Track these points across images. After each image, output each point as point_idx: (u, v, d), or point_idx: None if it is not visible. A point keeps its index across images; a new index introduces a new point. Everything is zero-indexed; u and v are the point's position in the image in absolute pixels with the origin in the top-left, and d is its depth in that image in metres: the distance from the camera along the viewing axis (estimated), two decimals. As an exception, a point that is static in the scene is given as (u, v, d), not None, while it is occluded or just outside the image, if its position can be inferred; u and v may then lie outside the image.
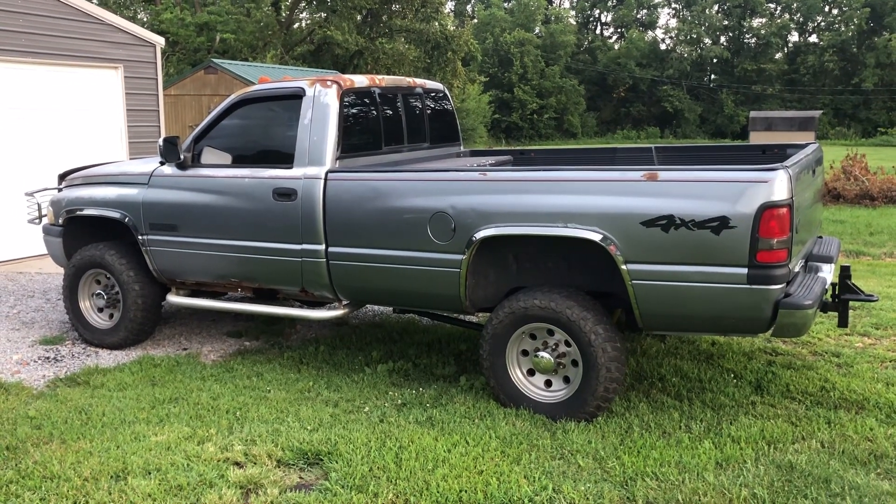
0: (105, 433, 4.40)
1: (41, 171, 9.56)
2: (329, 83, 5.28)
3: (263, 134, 5.65)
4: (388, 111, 5.85)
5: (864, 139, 55.41)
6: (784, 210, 3.96)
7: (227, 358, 5.93)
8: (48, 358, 5.96)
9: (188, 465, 3.96)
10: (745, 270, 4.00)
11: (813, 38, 67.64)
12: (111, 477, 3.84)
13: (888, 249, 11.42)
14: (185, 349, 6.19)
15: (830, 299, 4.79)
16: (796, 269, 4.60)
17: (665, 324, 4.44)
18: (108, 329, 6.17)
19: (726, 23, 68.47)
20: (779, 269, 4.01)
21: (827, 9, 66.36)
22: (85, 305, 6.28)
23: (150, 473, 3.87)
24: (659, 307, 4.28)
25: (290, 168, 5.23)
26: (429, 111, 6.32)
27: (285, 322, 6.80)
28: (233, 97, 5.68)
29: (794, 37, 68.72)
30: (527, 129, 62.98)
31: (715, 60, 68.47)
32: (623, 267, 4.24)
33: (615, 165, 5.79)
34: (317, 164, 5.15)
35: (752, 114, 51.22)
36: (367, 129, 5.66)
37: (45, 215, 6.67)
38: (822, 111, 54.72)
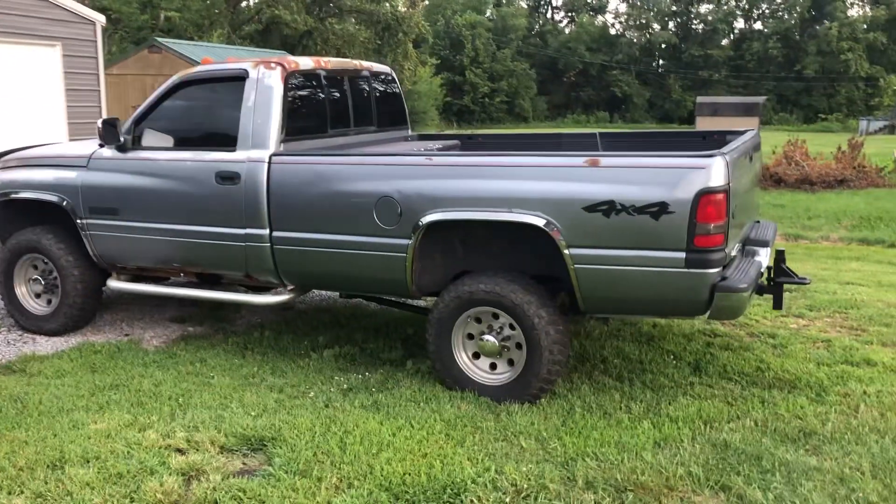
0: (42, 422, 4.31)
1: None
2: (273, 65, 5.21)
3: (206, 116, 5.56)
4: (335, 94, 5.80)
5: (806, 125, 56.95)
6: (721, 196, 4.06)
7: (170, 344, 5.84)
8: (-18, 345, 5.80)
9: (129, 452, 3.91)
10: (683, 255, 4.09)
11: (758, 25, 69.10)
12: (48, 466, 3.77)
13: (824, 233, 11.78)
14: (126, 335, 6.08)
15: (766, 282, 4.95)
16: (734, 253, 4.73)
17: (606, 307, 4.53)
18: (47, 315, 6.02)
19: (675, 8, 69.47)
20: (715, 254, 4.11)
21: (771, -4, 67.81)
22: (21, 291, 6.12)
23: (88, 462, 3.81)
24: (600, 291, 4.35)
25: (234, 151, 5.16)
26: (376, 94, 6.28)
27: (230, 307, 6.72)
28: (174, 78, 5.57)
29: (739, 23, 70.18)
30: (478, 112, 63.15)
31: (663, 46, 69.47)
32: (566, 251, 4.30)
33: (560, 151, 5.84)
34: (260, 148, 5.08)
35: (699, 99, 52.27)
36: (312, 112, 5.61)
37: (-21, 198, 6.45)
38: (766, 97, 56.09)
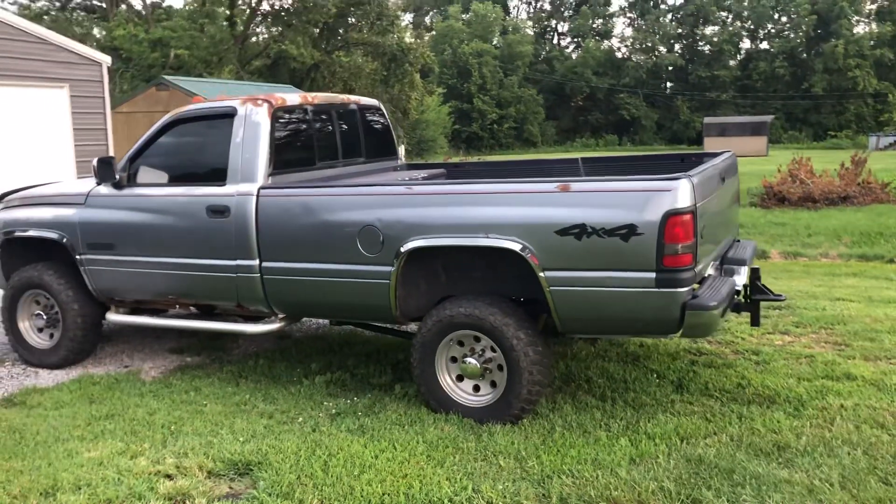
0: (38, 451, 4.46)
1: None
2: (260, 102, 5.41)
3: (197, 152, 5.75)
4: (322, 128, 5.99)
5: (816, 142, 56.88)
6: (688, 217, 4.18)
7: (167, 374, 6.00)
8: (-14, 379, 5.98)
9: (119, 479, 4.05)
10: (653, 275, 4.21)
11: (764, 45, 69.30)
12: (41, 494, 3.91)
13: (824, 250, 11.82)
14: (126, 366, 6.25)
15: (743, 300, 5.05)
16: (709, 272, 4.84)
17: (582, 327, 4.65)
18: (49, 349, 6.20)
19: (680, 31, 69.91)
20: (685, 273, 4.22)
21: (777, 16, 68.02)
22: (24, 326, 6.31)
23: (80, 489, 3.95)
24: (575, 311, 4.47)
25: (224, 185, 5.34)
26: (364, 127, 6.47)
27: (228, 337, 6.88)
28: (167, 117, 5.78)
29: (745, 44, 70.37)
30: (487, 138, 63.55)
31: (670, 68, 69.78)
32: (541, 274, 4.43)
33: (543, 177, 5.98)
34: (249, 181, 5.27)
35: (707, 120, 52.37)
36: (299, 146, 5.80)
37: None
38: (773, 116, 56.06)
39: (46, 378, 5.99)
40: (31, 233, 6.13)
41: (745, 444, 4.24)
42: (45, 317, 6.22)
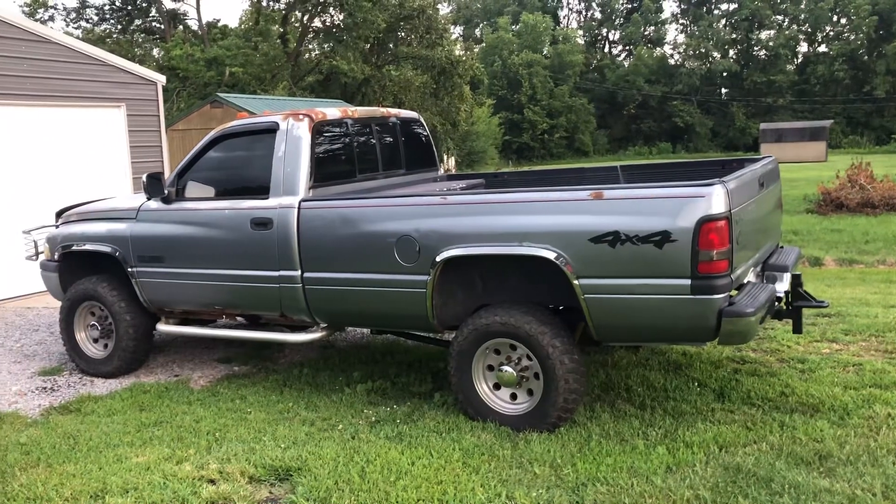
0: (90, 456, 4.64)
1: (51, 209, 9.90)
2: (301, 117, 5.55)
3: (242, 167, 5.91)
4: (362, 141, 6.11)
5: (879, 147, 55.21)
6: (722, 223, 4.15)
7: (215, 383, 6.16)
8: (45, 388, 6.23)
9: (164, 483, 4.18)
10: (688, 281, 4.18)
11: (822, 48, 67.61)
12: (90, 496, 4.07)
13: (881, 257, 11.50)
14: (176, 376, 6.44)
15: (785, 307, 4.98)
16: (749, 278, 4.78)
17: (618, 335, 4.63)
18: (103, 359, 6.44)
19: (734, 36, 68.67)
20: (720, 280, 4.18)
21: (835, 18, 66.36)
22: (80, 336, 6.56)
23: (127, 492, 4.09)
24: (610, 319, 4.47)
25: (266, 199, 5.49)
26: (403, 139, 6.57)
27: (275, 347, 7.04)
28: (213, 133, 5.97)
29: (803, 47, 68.78)
30: (538, 149, 63.37)
31: (724, 74, 68.61)
32: (575, 282, 4.44)
33: (581, 185, 5.98)
34: (291, 194, 5.40)
35: (763, 126, 51.28)
36: (340, 159, 5.92)
37: (42, 252, 6.97)
38: (833, 120, 54.61)
39: (101, 386, 6.22)
40: (87, 247, 6.38)
41: (786, 452, 4.17)
42: (99, 328, 6.47)
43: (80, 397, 5.89)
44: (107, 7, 39.40)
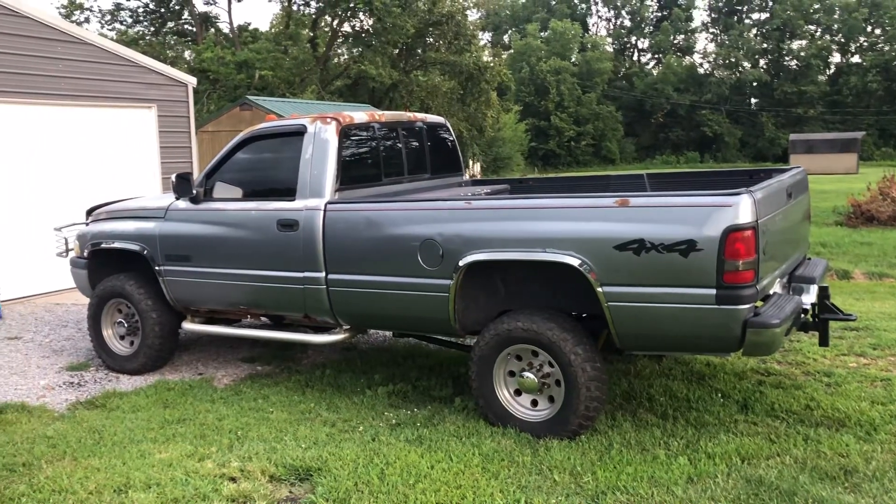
0: (114, 451, 4.70)
1: (82, 207, 10.06)
2: (329, 120, 5.59)
3: (269, 169, 5.97)
4: (388, 145, 6.14)
5: (912, 159, 54.36)
6: (749, 233, 4.11)
7: (238, 382, 6.22)
8: (72, 383, 6.32)
9: (186, 479, 4.23)
10: (713, 291, 4.15)
11: (856, 59, 66.75)
12: (114, 491, 4.12)
13: (912, 271, 11.31)
14: (200, 374, 6.50)
15: (811, 319, 4.92)
16: (775, 289, 4.73)
17: (641, 344, 4.60)
18: (129, 355, 6.52)
19: (765, 46, 68.04)
20: (746, 290, 4.15)
21: (869, 28, 65.50)
22: (107, 333, 6.65)
23: (150, 487, 4.14)
24: (634, 328, 4.44)
25: (293, 200, 5.54)
26: (429, 143, 6.59)
27: (298, 347, 7.08)
28: (241, 135, 6.03)
29: (835, 58, 67.96)
30: (564, 156, 63.18)
31: (755, 84, 67.97)
32: (599, 289, 4.42)
33: (606, 192, 5.96)
34: (317, 197, 5.44)
35: (793, 137, 50.67)
36: (366, 162, 5.95)
37: (72, 249, 7.08)
38: (864, 132, 53.85)
39: (126, 383, 6.30)
40: (116, 244, 6.47)
41: (810, 466, 4.12)
42: (126, 325, 6.55)
43: (105, 393, 5.97)
44: (140, 9, 39.94)
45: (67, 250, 7.17)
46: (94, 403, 5.75)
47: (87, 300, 6.95)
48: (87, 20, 38.91)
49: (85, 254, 6.73)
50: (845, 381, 5.46)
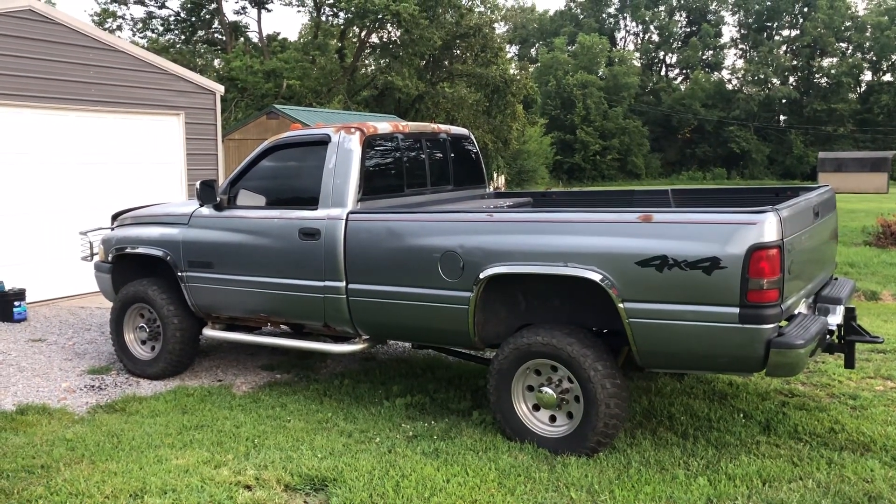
0: (132, 455, 4.72)
1: (108, 212, 10.16)
2: (353, 130, 5.61)
3: (293, 177, 5.99)
4: (412, 156, 6.14)
5: (943, 180, 53.47)
6: (774, 251, 4.05)
7: (257, 389, 6.23)
8: (93, 386, 6.37)
9: (202, 486, 4.23)
10: (736, 310, 4.09)
11: (887, 77, 65.97)
12: (130, 495, 4.13)
13: (942, 293, 11.10)
14: (219, 380, 6.53)
15: (837, 341, 4.83)
16: (800, 309, 4.66)
17: (662, 361, 4.54)
18: (150, 360, 6.56)
19: (795, 63, 67.49)
20: (770, 309, 4.08)
21: (901, 47, 64.76)
22: (129, 338, 6.70)
23: (165, 493, 4.14)
24: (655, 345, 4.39)
25: (315, 209, 5.55)
26: (453, 155, 6.59)
27: (317, 356, 7.08)
28: (266, 143, 6.07)
29: (866, 76, 67.20)
30: (589, 170, 62.96)
31: (784, 101, 67.40)
32: (620, 305, 4.38)
33: (630, 207, 5.92)
34: (339, 206, 5.45)
35: (822, 154, 50.16)
36: (389, 173, 5.96)
37: (97, 253, 7.15)
38: (895, 151, 53.15)
39: (146, 387, 6.33)
40: (140, 250, 6.52)
41: (833, 491, 4.03)
42: (147, 330, 6.59)
43: (125, 397, 6.01)
44: (172, 18, 40.51)
45: (92, 254, 7.25)
46: (114, 407, 5.78)
47: (110, 304, 7.01)
48: (119, 28, 39.54)
49: (109, 258, 6.80)
50: (871, 405, 5.35)
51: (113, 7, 38.76)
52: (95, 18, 38.59)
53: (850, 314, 4.77)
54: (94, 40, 10.72)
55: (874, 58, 66.07)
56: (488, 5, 42.44)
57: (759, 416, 5.19)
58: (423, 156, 6.23)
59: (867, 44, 65.53)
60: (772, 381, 5.88)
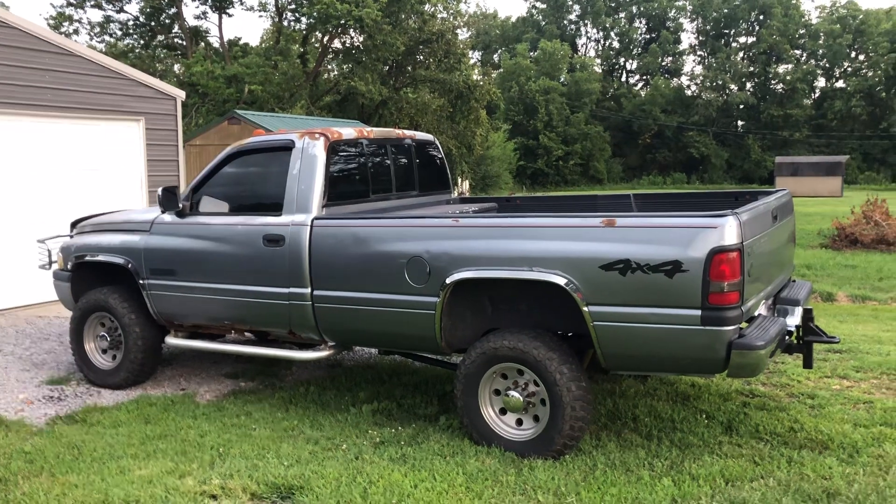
0: (93, 467, 4.64)
1: (67, 220, 9.98)
2: (317, 135, 5.59)
3: (256, 183, 5.95)
4: (377, 161, 6.14)
5: (895, 183, 54.93)
6: (734, 254, 4.13)
7: (221, 398, 6.16)
8: (52, 397, 6.24)
9: (166, 497, 4.17)
10: (698, 312, 4.16)
11: (840, 84, 67.57)
12: (92, 507, 4.06)
13: (895, 294, 11.38)
14: (182, 389, 6.44)
15: (796, 341, 4.94)
16: (760, 311, 4.75)
17: (626, 363, 4.60)
18: (111, 370, 6.45)
19: (752, 69, 68.77)
20: (731, 311, 4.16)
21: (853, 55, 66.38)
22: (90, 347, 6.58)
23: (128, 504, 4.09)
24: (619, 348, 4.44)
25: (280, 215, 5.51)
26: (418, 161, 6.60)
27: (283, 364, 7.03)
28: (229, 149, 6.02)
29: (820, 82, 68.76)
30: (552, 175, 63.39)
31: (741, 106, 68.62)
32: (585, 308, 4.43)
33: (593, 212, 5.98)
34: (304, 212, 5.43)
35: (778, 159, 51.12)
36: (354, 179, 5.95)
37: (55, 261, 7.02)
38: (849, 156, 54.47)
39: (108, 397, 6.23)
40: (101, 257, 6.42)
41: (793, 489, 4.11)
42: (108, 338, 6.49)
43: (86, 408, 5.90)
44: (130, 22, 39.86)
45: (51, 262, 7.11)
46: (74, 418, 5.68)
47: (69, 313, 6.88)
48: (76, 31, 38.81)
49: (68, 266, 6.67)
50: (829, 404, 5.47)
51: (69, 11, 38.05)
52: (51, 22, 37.85)
53: (807, 315, 4.88)
54: (50, 44, 10.52)
55: (827, 64, 67.61)
56: (451, 11, 42.52)
57: (722, 416, 5.28)
58: (388, 161, 6.23)
59: (820, 51, 67.05)
60: (733, 382, 5.98)
